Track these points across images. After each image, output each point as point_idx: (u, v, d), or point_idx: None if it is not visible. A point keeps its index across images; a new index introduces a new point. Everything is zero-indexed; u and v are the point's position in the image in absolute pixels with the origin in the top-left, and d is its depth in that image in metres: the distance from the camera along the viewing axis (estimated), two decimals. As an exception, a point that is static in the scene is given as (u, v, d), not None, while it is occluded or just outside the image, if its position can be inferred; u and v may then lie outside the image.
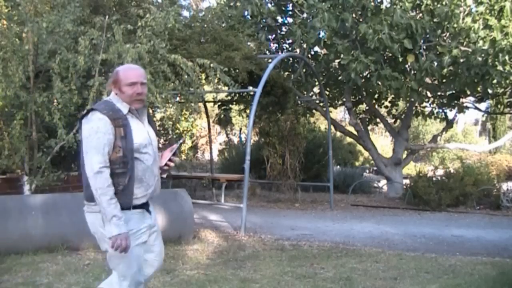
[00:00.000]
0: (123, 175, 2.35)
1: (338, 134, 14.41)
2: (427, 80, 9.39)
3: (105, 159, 2.30)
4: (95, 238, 2.51)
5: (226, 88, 8.61)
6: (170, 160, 2.59)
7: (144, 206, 2.49)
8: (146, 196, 2.46)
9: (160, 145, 10.04)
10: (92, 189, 2.29)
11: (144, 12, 6.22)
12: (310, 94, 11.89)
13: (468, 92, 10.02)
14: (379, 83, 8.82)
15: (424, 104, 11.74)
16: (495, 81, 8.10)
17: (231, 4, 10.55)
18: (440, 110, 11.93)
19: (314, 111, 11.90)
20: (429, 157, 19.39)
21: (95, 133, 2.31)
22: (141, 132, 2.44)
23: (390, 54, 8.84)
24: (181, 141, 2.94)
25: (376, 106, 12.38)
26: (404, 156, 11.97)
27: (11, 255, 4.68)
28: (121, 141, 2.33)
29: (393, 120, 13.14)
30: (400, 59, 8.60)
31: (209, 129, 11.51)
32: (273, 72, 8.41)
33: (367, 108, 12.80)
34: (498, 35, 7.37)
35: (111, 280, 2.54)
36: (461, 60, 8.14)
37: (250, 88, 8.31)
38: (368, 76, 9.43)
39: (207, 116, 11.31)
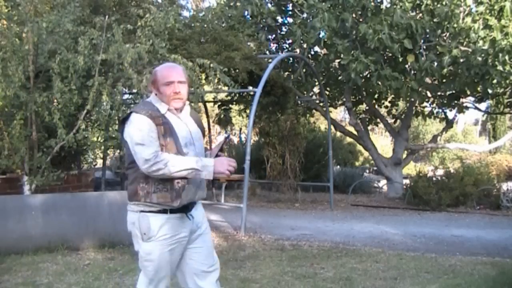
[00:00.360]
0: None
1: (338, 134, 14.41)
2: (427, 80, 9.39)
3: (155, 149, 2.24)
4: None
5: (226, 88, 8.61)
6: (217, 155, 2.48)
7: (184, 210, 2.35)
8: (187, 200, 2.34)
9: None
10: (164, 172, 2.21)
11: (144, 12, 6.21)
12: (310, 94, 11.89)
13: (468, 92, 10.02)
14: (379, 83, 8.82)
15: (424, 104, 11.74)
16: (495, 81, 8.10)
17: (231, 4, 10.55)
18: (440, 110, 11.93)
19: (314, 111, 11.90)
20: (429, 157, 19.39)
21: (139, 131, 2.27)
22: (182, 132, 2.36)
23: (390, 54, 8.84)
24: (226, 135, 2.85)
25: (376, 106, 12.38)
26: (404, 156, 11.97)
27: (11, 255, 4.68)
28: (164, 139, 2.28)
29: (393, 120, 13.14)
30: (400, 59, 8.60)
31: (209, 129, 11.52)
32: (273, 72, 8.41)
33: (367, 108, 12.80)
34: (498, 35, 7.37)
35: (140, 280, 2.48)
36: (461, 60, 8.13)
37: (250, 88, 8.31)
38: (368, 76, 9.43)
39: (207, 116, 11.31)
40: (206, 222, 2.53)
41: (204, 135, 2.56)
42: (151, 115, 2.29)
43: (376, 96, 11.58)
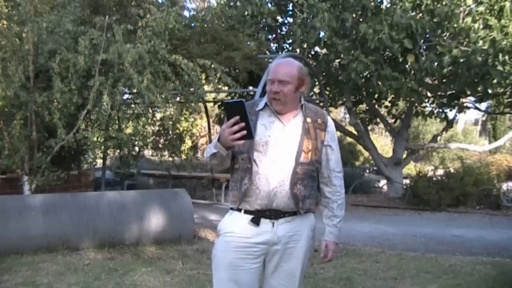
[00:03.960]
0: (236, 171, 2.12)
1: (338, 134, 14.40)
2: (427, 80, 9.39)
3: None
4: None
5: (226, 88, 8.62)
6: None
7: (259, 214, 2.10)
8: (257, 204, 2.09)
9: (160, 145, 10.03)
10: (208, 158, 2.08)
11: (144, 12, 6.22)
12: (310, 94, 11.89)
13: (468, 92, 10.02)
14: (379, 83, 8.82)
15: (424, 104, 11.74)
16: (495, 81, 8.10)
17: (231, 4, 10.55)
18: (440, 110, 11.93)
19: (314, 111, 11.86)
20: (429, 157, 19.40)
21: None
22: (266, 131, 2.10)
23: (390, 54, 8.84)
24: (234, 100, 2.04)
25: (376, 106, 12.38)
26: (404, 156, 11.97)
27: (11, 255, 4.68)
28: None
29: (393, 120, 13.14)
30: (400, 59, 8.60)
31: (209, 129, 11.51)
32: (273, 72, 8.39)
33: (367, 108, 12.80)
34: (498, 35, 7.37)
35: None
36: (461, 60, 8.13)
37: (250, 88, 8.32)
38: (368, 76, 9.42)
39: (207, 116, 11.31)
40: (299, 241, 2.28)
41: (314, 152, 2.26)
42: None
43: (376, 96, 11.57)
